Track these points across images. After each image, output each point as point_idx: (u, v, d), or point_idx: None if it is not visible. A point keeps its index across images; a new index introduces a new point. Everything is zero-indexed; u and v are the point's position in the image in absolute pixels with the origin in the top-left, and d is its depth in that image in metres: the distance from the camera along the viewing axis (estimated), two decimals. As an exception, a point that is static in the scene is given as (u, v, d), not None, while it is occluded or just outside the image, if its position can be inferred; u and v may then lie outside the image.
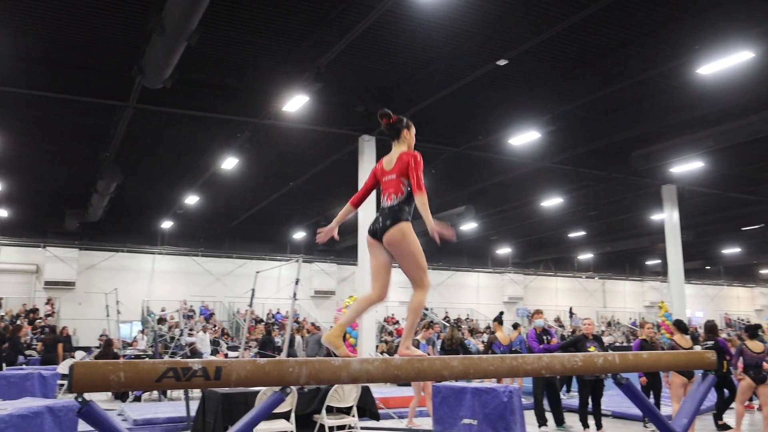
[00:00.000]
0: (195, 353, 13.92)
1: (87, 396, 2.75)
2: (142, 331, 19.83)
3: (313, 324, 15.76)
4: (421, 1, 9.62)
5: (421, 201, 3.67)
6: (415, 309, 3.74)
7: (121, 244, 24.44)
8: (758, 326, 8.47)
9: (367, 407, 7.47)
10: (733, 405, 8.29)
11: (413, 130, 3.96)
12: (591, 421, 8.07)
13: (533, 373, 3.80)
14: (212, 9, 9.27)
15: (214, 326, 22.15)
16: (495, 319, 10.57)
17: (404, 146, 3.90)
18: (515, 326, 12.36)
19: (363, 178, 15.15)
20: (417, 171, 3.73)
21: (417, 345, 9.97)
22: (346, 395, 6.91)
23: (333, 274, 28.12)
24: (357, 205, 4.06)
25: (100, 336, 19.87)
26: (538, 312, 9.29)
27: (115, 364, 2.75)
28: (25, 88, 12.12)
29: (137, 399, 11.32)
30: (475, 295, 31.78)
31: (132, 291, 22.76)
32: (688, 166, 16.64)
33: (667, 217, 19.90)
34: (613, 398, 9.85)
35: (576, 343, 8.18)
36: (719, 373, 4.77)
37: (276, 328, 22.17)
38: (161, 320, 20.63)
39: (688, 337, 8.10)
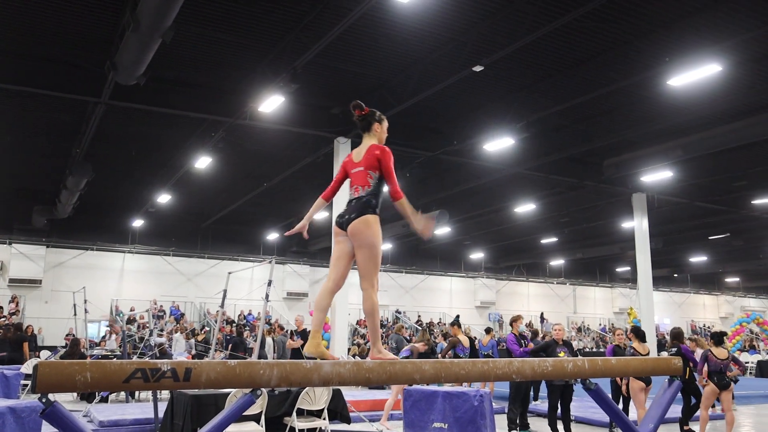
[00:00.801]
0: (164, 354, 13.72)
1: (51, 397, 2.69)
2: (109, 327, 19.49)
3: (280, 326, 15.67)
4: (398, 6, 9.66)
5: (401, 205, 3.71)
6: (371, 311, 3.69)
7: (91, 242, 24.03)
8: (723, 333, 8.67)
9: (339, 410, 7.45)
10: (698, 412, 8.45)
11: (385, 124, 3.96)
12: (559, 426, 8.15)
13: (504, 378, 3.82)
14: (187, 6, 9.20)
15: (193, 330, 21.81)
16: (453, 323, 10.65)
17: (374, 139, 3.90)
18: (488, 330, 12.49)
19: (338, 180, 15.12)
20: (391, 173, 3.73)
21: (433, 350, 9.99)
22: (317, 398, 6.88)
23: (306, 275, 28.01)
24: (328, 198, 4.09)
25: (67, 335, 19.49)
26: (520, 317, 9.45)
27: (81, 363, 2.69)
28: (-6, 81, 11.87)
29: (104, 400, 11.12)
30: (447, 299, 31.93)
31: (101, 290, 22.42)
32: (658, 175, 16.95)
33: (637, 225, 20.24)
34: (580, 403, 9.98)
35: (546, 348, 8.26)
36: (683, 379, 4.88)
37: (247, 329, 21.97)
38: (130, 320, 20.31)
39: (646, 344, 8.29)
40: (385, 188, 3.84)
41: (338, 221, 3.78)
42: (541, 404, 10.67)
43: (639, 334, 8.28)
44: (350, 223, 3.68)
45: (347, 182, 3.97)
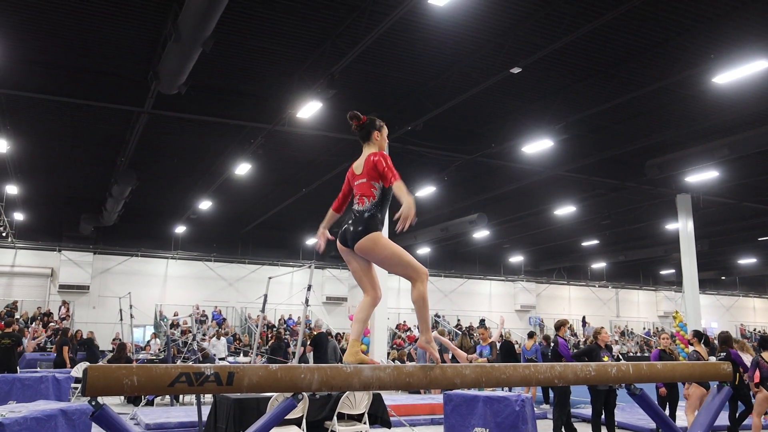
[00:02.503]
0: (206, 358, 13.96)
1: (100, 400, 2.76)
2: (155, 335, 19.93)
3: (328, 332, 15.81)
4: (434, 9, 9.64)
5: (398, 186, 3.53)
6: (417, 300, 3.62)
7: (135, 249, 24.59)
8: None
9: (379, 414, 7.45)
10: (749, 419, 8.17)
11: (385, 131, 3.91)
12: (604, 431, 7.99)
13: (546, 383, 3.77)
14: (227, 16, 9.36)
15: (234, 335, 22.13)
16: (481, 325, 10.52)
17: (374, 148, 3.85)
18: (531, 335, 12.35)
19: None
20: (386, 162, 3.65)
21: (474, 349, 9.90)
22: (357, 402, 6.89)
23: (345, 280, 28.12)
24: (338, 210, 4.15)
25: (113, 340, 19.99)
26: (566, 322, 9.21)
27: (128, 368, 2.77)
28: (41, 92, 12.28)
29: (150, 403, 11.36)
30: (487, 303, 31.64)
31: (145, 295, 22.89)
32: (703, 176, 16.50)
33: (682, 227, 19.73)
34: (623, 410, 9.76)
35: (590, 352, 8.11)
36: (733, 386, 4.71)
37: (288, 333, 22.19)
38: (174, 325, 20.72)
39: (705, 347, 8.03)
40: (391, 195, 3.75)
41: (341, 238, 3.73)
42: (584, 409, 10.48)
43: (700, 336, 8.00)
44: (356, 242, 3.63)
45: None
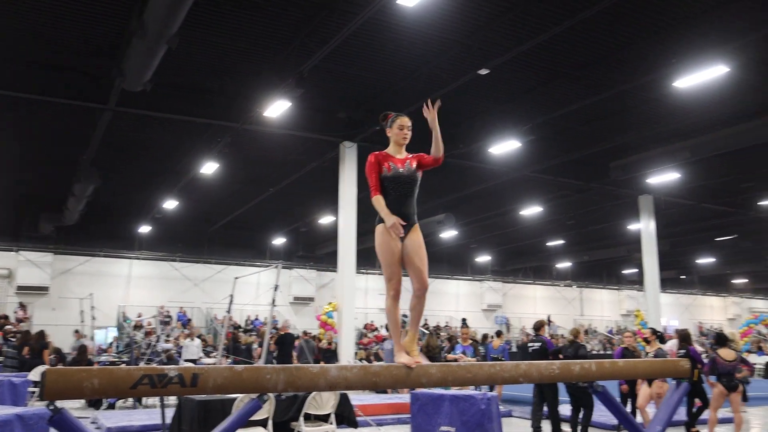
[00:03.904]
0: (171, 360, 13.73)
1: (59, 403, 2.70)
2: (117, 338, 19.55)
3: (305, 332, 15.69)
4: (403, 10, 9.66)
5: (375, 202, 3.82)
6: (386, 313, 3.86)
7: (98, 249, 24.08)
8: (726, 335, 8.58)
9: (346, 415, 7.43)
10: (705, 414, 8.38)
11: (395, 125, 4.02)
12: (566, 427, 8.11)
13: (511, 381, 3.81)
14: (193, 12, 9.22)
15: (200, 336, 21.78)
16: (463, 325, 10.66)
17: (392, 143, 4.02)
18: (499, 334, 12.52)
19: (344, 184, 15.11)
20: (368, 176, 3.87)
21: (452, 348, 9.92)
22: (324, 402, 6.87)
23: (312, 280, 28.00)
24: None
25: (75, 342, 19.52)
26: (545, 323, 9.40)
27: (88, 370, 2.71)
28: (1, 88, 11.93)
29: (111, 406, 11.15)
30: (454, 303, 31.85)
31: (108, 296, 22.43)
32: (665, 177, 16.89)
33: (644, 227, 20.18)
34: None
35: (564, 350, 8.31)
36: (691, 382, 4.84)
37: (254, 334, 21.97)
38: (137, 326, 20.35)
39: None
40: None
41: None
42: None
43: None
44: None
45: None
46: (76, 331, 17.66)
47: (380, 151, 3.95)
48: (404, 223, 3.77)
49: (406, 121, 4.01)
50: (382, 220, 3.79)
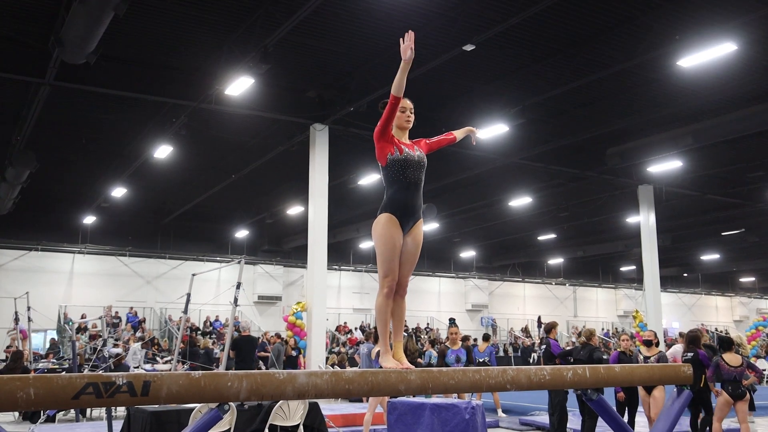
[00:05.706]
0: (120, 366, 13.61)
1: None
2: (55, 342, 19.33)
3: (277, 335, 15.72)
4: (381, -23, 9.64)
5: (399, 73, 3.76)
6: (375, 311, 3.91)
7: (35, 242, 23.75)
8: (731, 338, 8.68)
9: (316, 426, 7.46)
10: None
11: (388, 107, 3.96)
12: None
13: (498, 388, 3.84)
14: (145, -24, 9.10)
15: (153, 339, 21.69)
16: (452, 324, 10.76)
17: (393, 130, 4.02)
18: (486, 337, 12.66)
19: (314, 171, 15.06)
20: (375, 138, 3.92)
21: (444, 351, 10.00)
22: (291, 413, 6.88)
23: (279, 277, 27.95)
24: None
25: (8, 347, 19.24)
26: (556, 324, 9.62)
27: (23, 379, 2.66)
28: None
29: (51, 419, 11.01)
30: (436, 302, 32.05)
31: (47, 295, 22.18)
32: (667, 166, 17.12)
33: (643, 220, 20.43)
34: (577, 416, 10.04)
35: (571, 353, 8.43)
36: (695, 389, 4.88)
37: (214, 337, 21.90)
38: (81, 329, 20.12)
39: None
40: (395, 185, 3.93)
41: None
42: (539, 416, 10.81)
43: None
44: None
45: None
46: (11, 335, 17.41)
47: None
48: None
49: (407, 102, 4.03)
50: (385, 208, 3.83)
